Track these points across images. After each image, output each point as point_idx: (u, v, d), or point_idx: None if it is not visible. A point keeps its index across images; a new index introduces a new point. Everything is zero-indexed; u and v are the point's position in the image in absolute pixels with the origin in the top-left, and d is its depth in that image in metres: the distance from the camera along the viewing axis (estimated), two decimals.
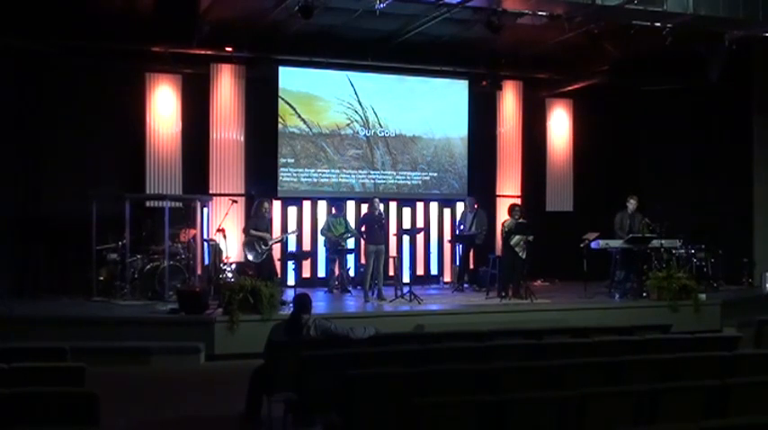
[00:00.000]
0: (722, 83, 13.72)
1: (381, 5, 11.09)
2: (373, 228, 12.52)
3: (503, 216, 14.03)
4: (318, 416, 6.22)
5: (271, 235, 12.43)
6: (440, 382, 5.79)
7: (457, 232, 14.83)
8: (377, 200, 12.96)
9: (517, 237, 12.60)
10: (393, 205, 15.30)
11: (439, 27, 13.02)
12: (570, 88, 15.77)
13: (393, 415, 5.38)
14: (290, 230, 14.02)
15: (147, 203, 13.17)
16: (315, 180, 14.72)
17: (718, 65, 13.40)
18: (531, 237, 12.62)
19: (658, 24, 12.18)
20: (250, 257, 12.03)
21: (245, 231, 12.22)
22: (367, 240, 12.60)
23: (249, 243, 12.07)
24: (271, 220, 12.95)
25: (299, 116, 14.57)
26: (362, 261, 13.39)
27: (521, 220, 12.74)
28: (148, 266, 12.23)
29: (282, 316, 9.60)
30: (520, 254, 12.60)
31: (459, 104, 15.65)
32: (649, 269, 12.73)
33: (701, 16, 11.82)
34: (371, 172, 15.10)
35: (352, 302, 12.60)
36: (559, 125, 16.53)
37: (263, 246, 12.07)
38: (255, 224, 12.16)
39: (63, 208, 12.97)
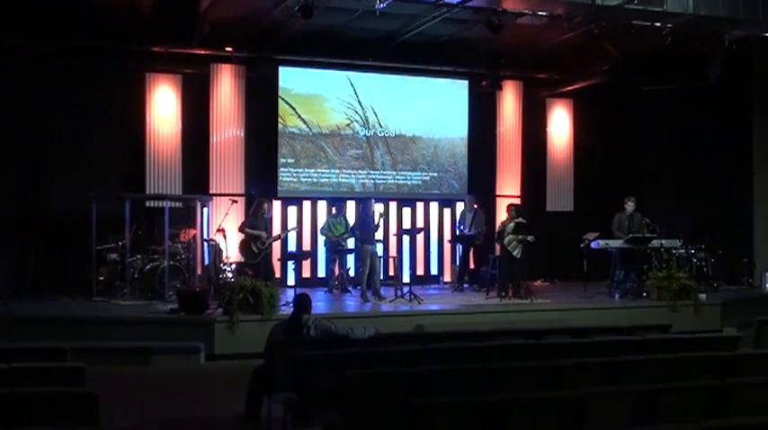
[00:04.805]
0: (722, 83, 13.72)
1: (381, 5, 11.09)
2: (369, 228, 12.53)
3: (503, 216, 14.03)
4: (318, 416, 6.21)
5: (270, 234, 12.45)
6: (440, 382, 5.79)
7: (457, 232, 14.81)
8: (372, 200, 12.97)
9: (510, 237, 12.59)
10: (393, 205, 15.30)
11: (439, 27, 13.01)
12: (570, 88, 15.76)
13: (393, 415, 5.37)
14: (289, 227, 14.03)
15: (147, 203, 13.16)
16: (315, 180, 14.72)
17: (718, 65, 13.40)
18: (530, 237, 12.60)
19: (658, 24, 12.20)
20: (245, 258, 12.06)
21: (241, 229, 12.23)
22: (362, 241, 12.59)
23: (244, 243, 12.10)
24: (271, 220, 12.96)
25: (299, 116, 14.57)
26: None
27: (518, 220, 12.73)
28: (148, 266, 12.23)
29: (282, 316, 9.61)
30: (514, 253, 12.58)
31: (459, 104, 15.65)
32: (649, 269, 12.72)
33: (701, 16, 11.82)
34: (371, 172, 15.10)
35: (351, 302, 12.59)
36: (559, 125, 16.52)
37: (260, 246, 12.09)
38: (252, 223, 12.17)
39: (63, 208, 12.97)
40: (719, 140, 15.58)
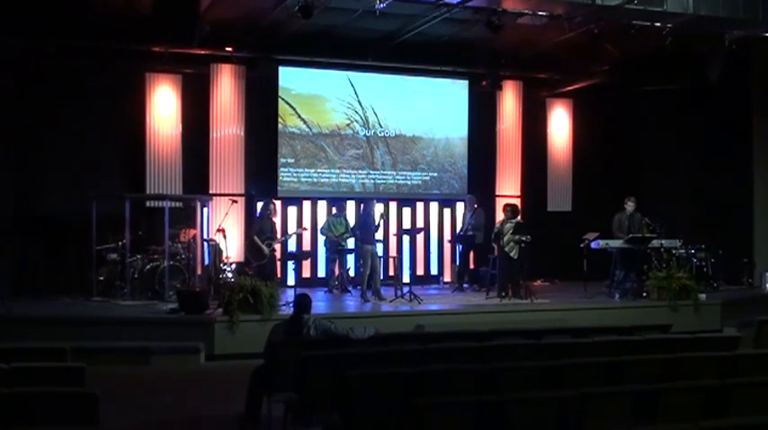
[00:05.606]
0: (722, 83, 13.72)
1: (381, 5, 11.09)
2: (370, 229, 12.53)
3: (502, 216, 14.02)
4: (318, 416, 6.21)
5: (275, 236, 12.43)
6: (440, 382, 5.79)
7: (462, 233, 14.70)
8: (374, 201, 12.96)
9: (507, 237, 12.58)
10: (393, 205, 15.30)
11: (439, 27, 13.02)
12: (570, 88, 15.78)
13: (393, 415, 5.37)
14: (296, 229, 13.98)
15: (147, 203, 13.16)
16: (315, 180, 14.72)
17: (718, 65, 13.40)
18: (527, 238, 12.58)
19: (658, 24, 12.20)
20: (253, 260, 12.03)
21: (250, 236, 12.19)
22: (363, 241, 12.59)
23: (252, 244, 12.07)
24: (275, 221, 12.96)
25: (299, 116, 14.57)
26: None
27: (517, 220, 12.72)
28: (148, 266, 12.23)
29: (282, 316, 9.61)
30: (511, 254, 12.57)
31: (459, 104, 15.65)
32: (649, 269, 12.73)
33: (701, 16, 11.83)
34: (371, 172, 15.10)
35: (351, 302, 12.60)
36: (559, 125, 16.52)
37: (267, 248, 12.09)
38: (261, 226, 12.11)
39: (63, 208, 12.98)
40: (719, 140, 15.58)
